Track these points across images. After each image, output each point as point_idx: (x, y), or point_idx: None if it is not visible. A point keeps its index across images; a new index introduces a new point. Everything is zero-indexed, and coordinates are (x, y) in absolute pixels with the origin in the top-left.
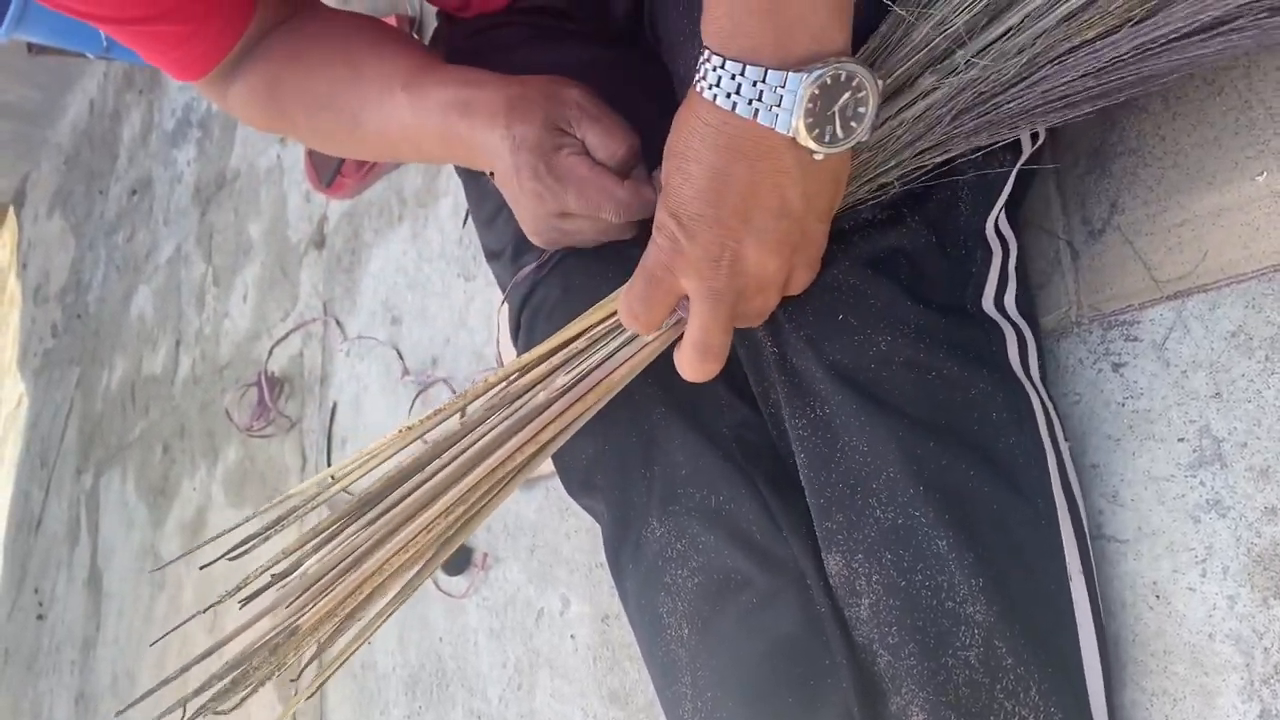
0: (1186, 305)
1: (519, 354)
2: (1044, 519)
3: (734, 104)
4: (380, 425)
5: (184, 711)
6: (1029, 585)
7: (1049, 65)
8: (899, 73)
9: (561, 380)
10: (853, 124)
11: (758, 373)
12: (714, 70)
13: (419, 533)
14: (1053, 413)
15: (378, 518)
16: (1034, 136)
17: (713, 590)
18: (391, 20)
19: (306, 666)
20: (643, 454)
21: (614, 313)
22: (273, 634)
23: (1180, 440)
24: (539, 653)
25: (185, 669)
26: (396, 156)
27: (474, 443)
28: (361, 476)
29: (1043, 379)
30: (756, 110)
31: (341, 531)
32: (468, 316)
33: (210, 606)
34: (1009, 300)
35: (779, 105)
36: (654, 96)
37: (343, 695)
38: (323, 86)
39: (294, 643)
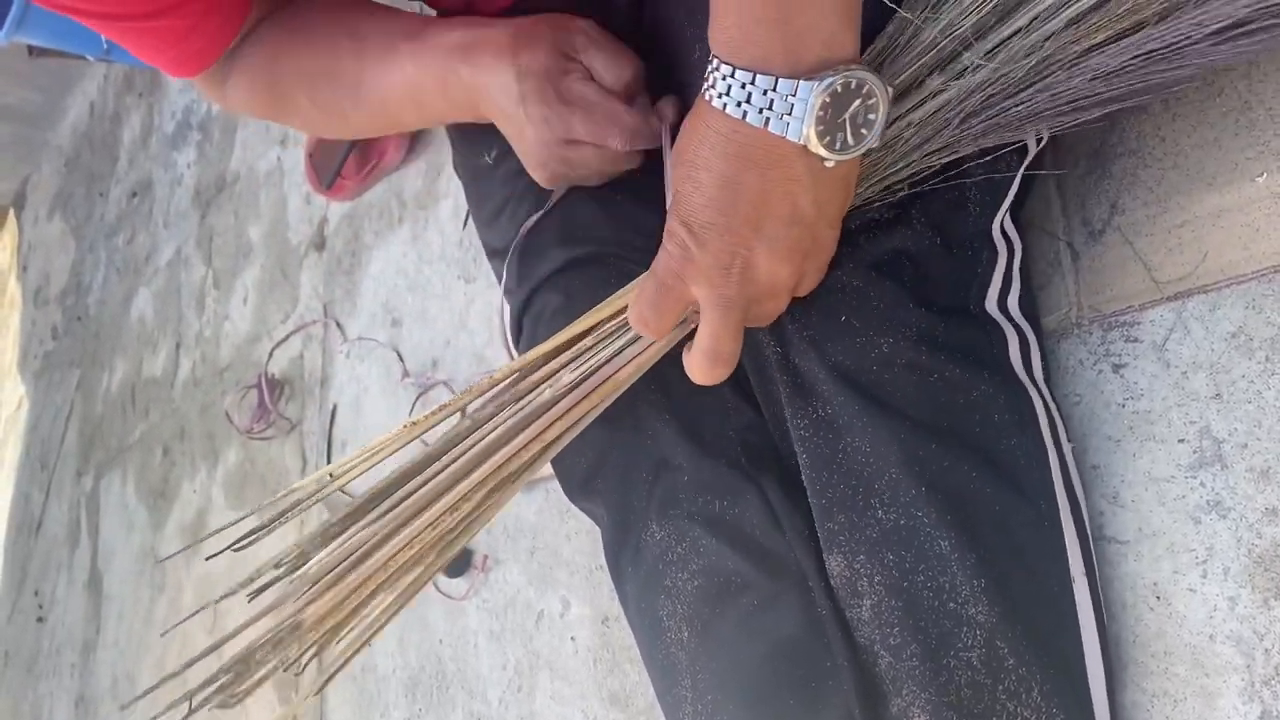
0: (1187, 306)
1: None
2: (1046, 520)
3: (744, 113)
4: (380, 427)
5: (189, 705)
6: (1031, 586)
7: (1057, 69)
8: (906, 75)
9: (567, 378)
10: (863, 131)
11: (760, 373)
12: (723, 79)
13: (423, 529)
14: (1055, 414)
15: (383, 514)
16: (1038, 138)
17: (713, 593)
18: None
19: (308, 664)
20: (643, 459)
21: (620, 310)
22: (276, 629)
23: (1181, 441)
24: (539, 655)
25: (189, 664)
26: (398, 121)
27: (479, 440)
28: (362, 474)
29: (1045, 380)
30: (767, 119)
31: (348, 529)
32: (468, 319)
33: (220, 599)
34: (1012, 301)
35: (790, 114)
36: (656, 91)
37: (343, 697)
38: (324, 56)
39: (297, 638)
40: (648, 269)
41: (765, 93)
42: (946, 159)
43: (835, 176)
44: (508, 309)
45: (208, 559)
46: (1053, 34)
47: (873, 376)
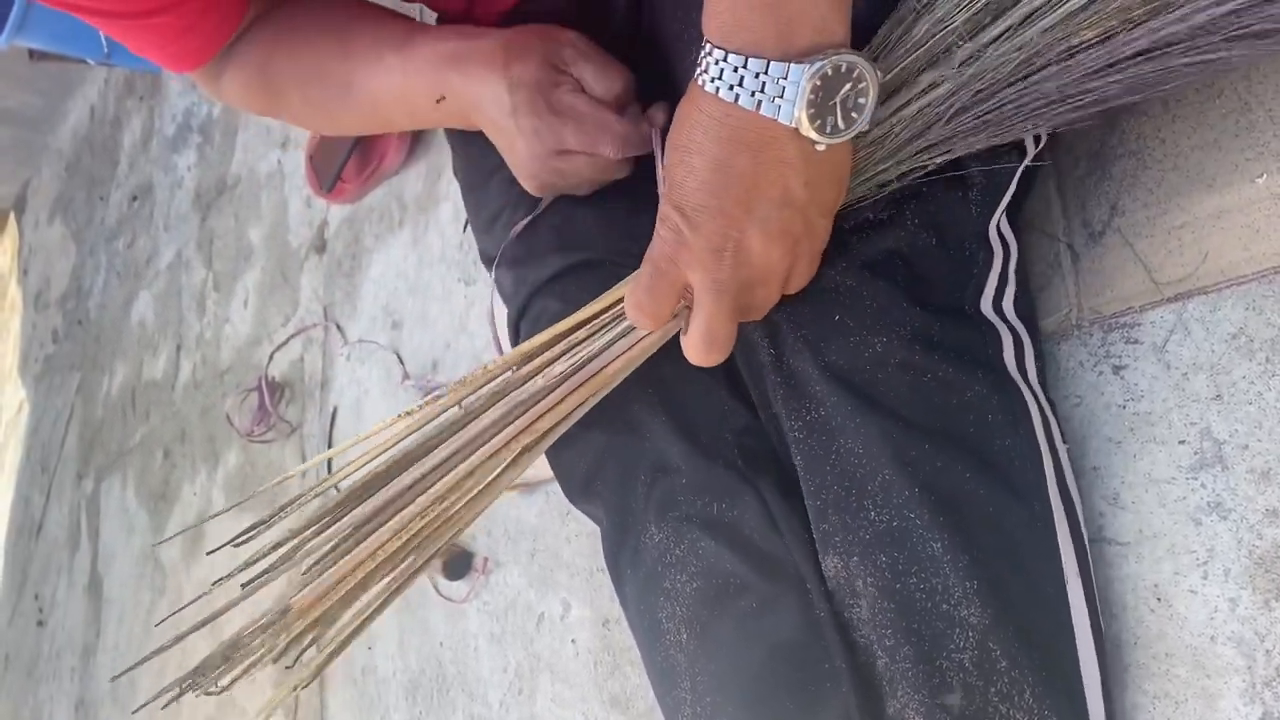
0: (1187, 307)
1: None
2: (1040, 521)
3: (736, 96)
4: None
5: (178, 689)
6: (1024, 588)
7: (1049, 65)
8: (899, 69)
9: (560, 368)
10: (854, 114)
11: (755, 376)
12: (716, 64)
13: (413, 518)
14: (1050, 415)
15: (373, 504)
16: (1036, 139)
17: (711, 595)
18: None
19: (300, 656)
20: (642, 461)
21: (617, 303)
22: (266, 614)
23: (1181, 442)
24: (540, 657)
25: (179, 639)
26: (389, 122)
27: (470, 431)
28: (360, 467)
29: (1041, 382)
30: (759, 102)
31: (341, 518)
32: (468, 321)
33: (216, 583)
34: (1007, 303)
35: (781, 96)
36: (652, 98)
37: (343, 701)
38: (312, 59)
39: (286, 623)
40: None
41: (757, 76)
42: (940, 158)
43: (827, 161)
44: (503, 314)
45: (209, 553)
46: (1044, 28)
47: (866, 376)
